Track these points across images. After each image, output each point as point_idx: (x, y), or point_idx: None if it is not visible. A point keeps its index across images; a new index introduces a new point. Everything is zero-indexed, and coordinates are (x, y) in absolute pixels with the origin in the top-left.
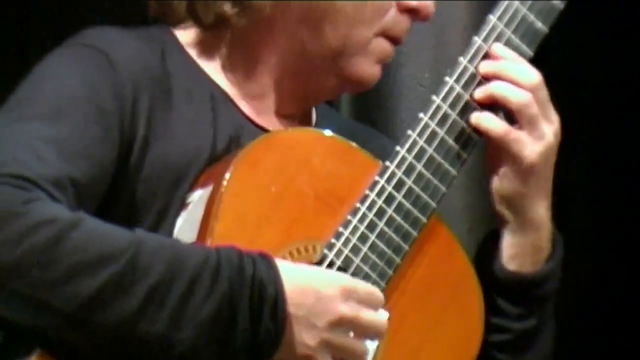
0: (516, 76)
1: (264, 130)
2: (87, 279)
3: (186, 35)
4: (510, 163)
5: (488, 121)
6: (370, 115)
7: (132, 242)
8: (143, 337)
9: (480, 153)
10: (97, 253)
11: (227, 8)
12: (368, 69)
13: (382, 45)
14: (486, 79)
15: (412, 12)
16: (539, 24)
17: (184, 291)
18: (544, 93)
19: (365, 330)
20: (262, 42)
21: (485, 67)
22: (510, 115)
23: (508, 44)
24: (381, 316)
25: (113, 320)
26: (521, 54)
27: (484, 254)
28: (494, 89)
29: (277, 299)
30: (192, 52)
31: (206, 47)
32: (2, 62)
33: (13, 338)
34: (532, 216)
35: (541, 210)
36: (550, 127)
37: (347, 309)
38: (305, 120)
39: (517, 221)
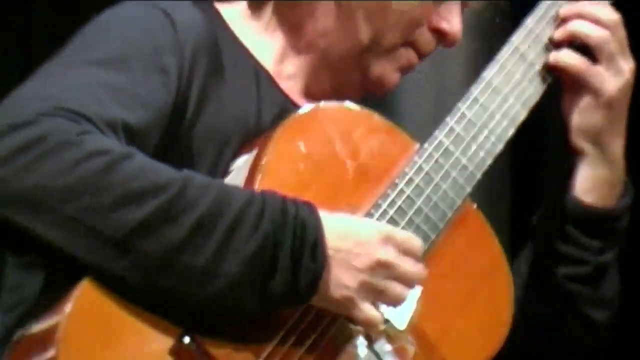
0: (596, 14)
1: None
2: (135, 207)
3: (230, 11)
4: (590, 97)
5: (568, 57)
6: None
7: (182, 176)
8: (187, 267)
9: None
10: (147, 183)
11: None
12: (389, 73)
13: (409, 55)
14: (565, 21)
15: (440, 34)
16: None
17: (229, 226)
18: (622, 32)
19: (404, 277)
20: (300, 24)
21: (566, 10)
22: (589, 55)
23: None
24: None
25: (158, 249)
26: None
27: (559, 189)
28: (575, 26)
29: (318, 241)
30: (235, 28)
31: (248, 23)
32: (5, 62)
33: (54, 280)
34: (609, 150)
35: (617, 146)
36: (627, 64)
37: (386, 253)
38: None
39: (595, 154)
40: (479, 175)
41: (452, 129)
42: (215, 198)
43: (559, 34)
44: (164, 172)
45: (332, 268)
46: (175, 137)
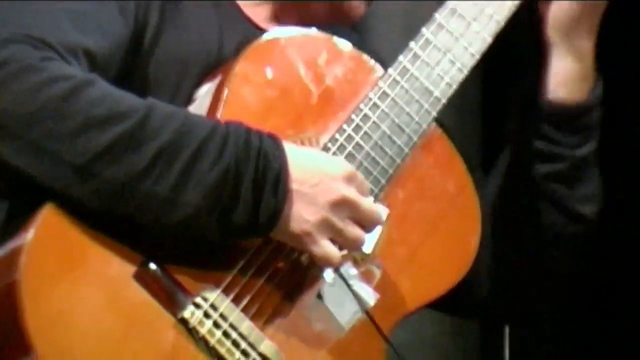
0: None
1: None
2: (98, 133)
3: None
4: None
5: None
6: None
7: (145, 104)
8: (148, 195)
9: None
10: (110, 109)
11: None
12: (354, 3)
13: None
14: None
15: None
16: None
17: (191, 155)
18: None
19: (364, 217)
20: None
21: None
22: None
23: None
24: (381, 209)
25: (120, 176)
26: None
27: (530, 87)
28: None
29: (280, 174)
30: None
31: None
32: None
33: (17, 210)
34: (580, 45)
35: (587, 42)
36: None
37: (349, 191)
38: None
39: (566, 47)
40: (444, 101)
41: (416, 55)
42: (179, 127)
43: None
44: (128, 99)
45: (293, 202)
46: (134, 64)
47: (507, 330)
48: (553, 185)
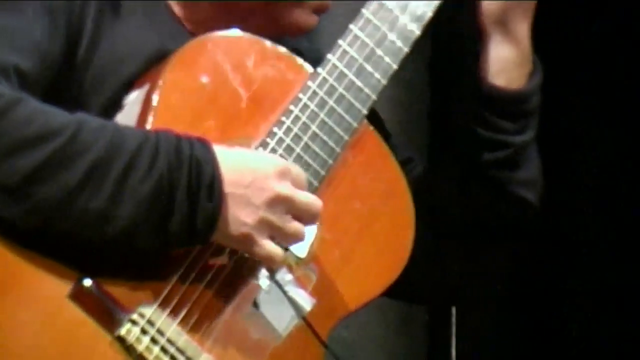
0: None
1: None
2: (29, 153)
3: None
4: None
5: None
6: None
7: (74, 120)
8: (82, 211)
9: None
10: (39, 128)
11: None
12: (303, 18)
13: None
14: None
15: None
16: None
17: (123, 168)
18: None
19: (301, 211)
20: None
21: None
22: None
23: None
24: (316, 200)
25: (53, 194)
26: None
27: (470, 74)
28: None
29: (214, 178)
30: None
31: None
32: None
33: None
34: (515, 30)
35: (524, 27)
36: None
37: (282, 188)
38: None
39: (502, 34)
40: (374, 97)
41: (344, 51)
42: (109, 141)
43: None
44: (57, 116)
45: (229, 205)
46: (70, 74)
47: (453, 328)
48: (497, 171)
